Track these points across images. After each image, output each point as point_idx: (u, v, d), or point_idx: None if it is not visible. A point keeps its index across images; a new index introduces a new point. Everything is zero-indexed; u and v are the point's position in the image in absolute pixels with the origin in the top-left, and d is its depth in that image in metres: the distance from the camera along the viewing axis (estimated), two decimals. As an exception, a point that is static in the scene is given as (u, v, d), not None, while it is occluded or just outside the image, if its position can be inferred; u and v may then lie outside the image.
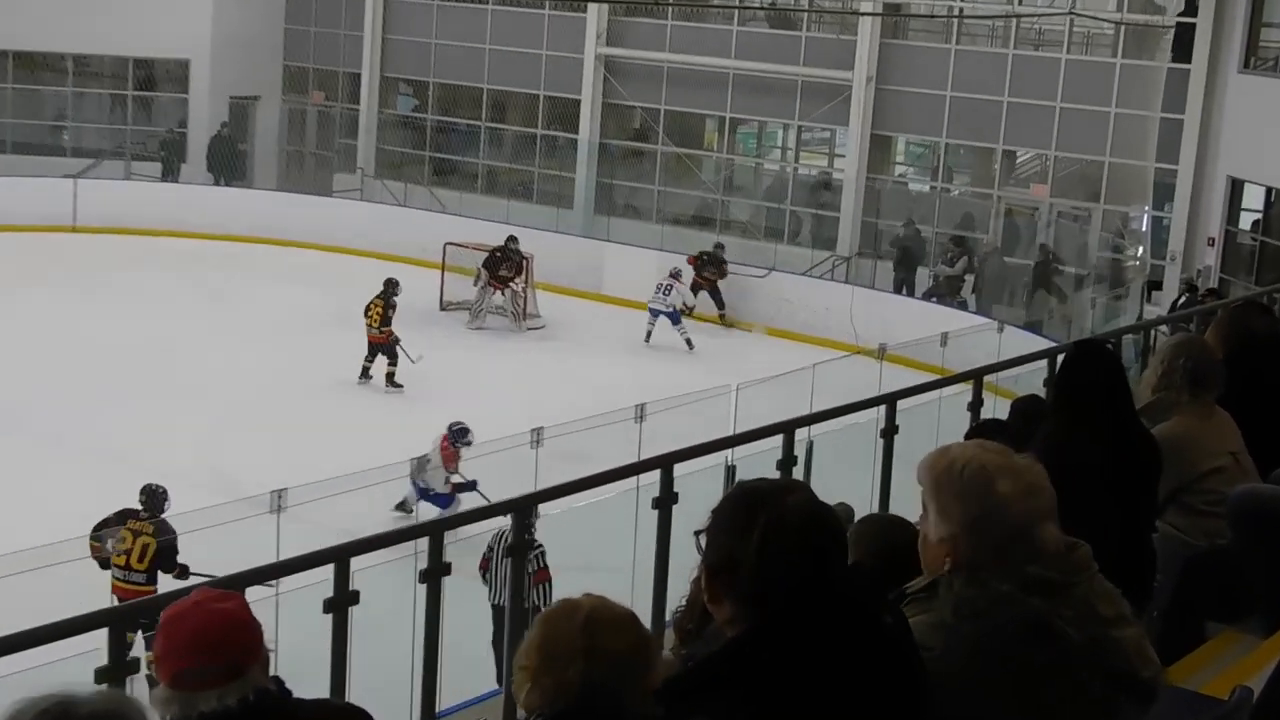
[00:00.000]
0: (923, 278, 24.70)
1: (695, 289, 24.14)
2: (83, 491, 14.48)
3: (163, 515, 11.48)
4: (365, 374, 19.56)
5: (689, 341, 22.53)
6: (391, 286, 19.79)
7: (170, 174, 29.87)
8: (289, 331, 21.28)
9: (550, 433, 12.87)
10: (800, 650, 2.48)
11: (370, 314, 19.60)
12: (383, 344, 19.51)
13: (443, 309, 23.67)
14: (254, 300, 23.07)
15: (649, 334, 22.74)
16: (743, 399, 14.51)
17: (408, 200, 29.15)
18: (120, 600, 10.56)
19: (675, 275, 23.21)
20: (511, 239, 23.58)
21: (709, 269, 24.37)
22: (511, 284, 23.30)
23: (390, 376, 19.33)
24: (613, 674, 2.94)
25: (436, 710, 6.42)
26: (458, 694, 7.08)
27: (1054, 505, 3.05)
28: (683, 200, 28.12)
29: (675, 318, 22.83)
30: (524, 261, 23.39)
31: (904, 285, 24.69)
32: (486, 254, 23.52)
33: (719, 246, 24.93)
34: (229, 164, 30.00)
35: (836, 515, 2.66)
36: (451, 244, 24.27)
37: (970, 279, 24.45)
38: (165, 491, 11.78)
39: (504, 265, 23.22)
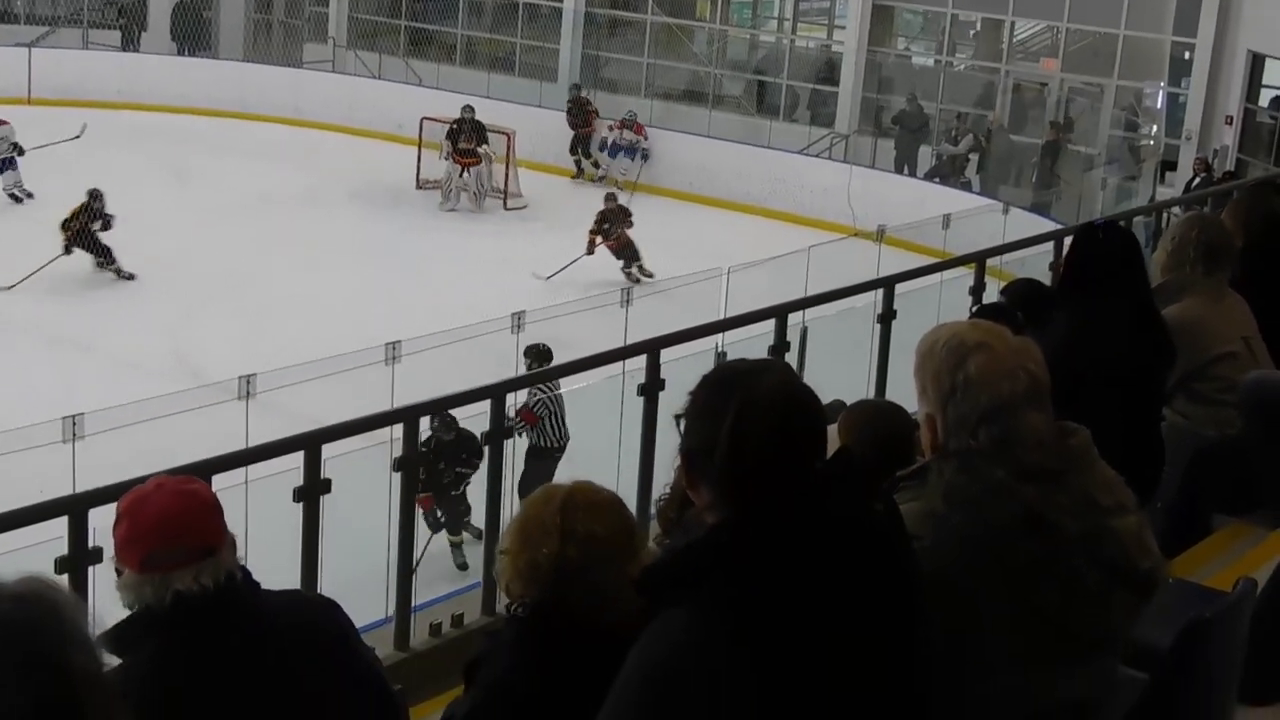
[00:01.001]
0: (925, 157, 24.60)
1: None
2: (46, 379, 14.52)
3: None
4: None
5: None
6: (93, 200, 18.86)
7: (130, 43, 29.54)
8: (255, 211, 21.18)
9: (532, 317, 12.88)
10: (782, 538, 2.49)
11: (68, 226, 18.58)
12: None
13: (419, 187, 23.57)
14: (218, 178, 22.93)
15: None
16: (734, 282, 14.51)
17: (382, 73, 28.88)
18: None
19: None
20: (467, 108, 23.42)
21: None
22: (474, 158, 23.03)
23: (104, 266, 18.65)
24: (590, 558, 2.98)
25: (412, 604, 6.48)
26: (434, 588, 7.13)
27: (1040, 391, 3.04)
28: (673, 74, 27.91)
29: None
30: (484, 131, 23.20)
31: (905, 164, 24.59)
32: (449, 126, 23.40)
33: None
34: (193, 33, 29.66)
35: (816, 397, 2.66)
36: (429, 119, 24.11)
37: (975, 158, 24.36)
38: None
39: (462, 137, 23.06)
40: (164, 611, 2.89)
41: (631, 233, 19.97)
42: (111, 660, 2.36)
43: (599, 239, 19.97)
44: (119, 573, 2.96)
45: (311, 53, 29.90)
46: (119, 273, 18.30)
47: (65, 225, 18.30)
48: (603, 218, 20.26)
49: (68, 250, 18.03)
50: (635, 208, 20.88)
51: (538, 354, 12.47)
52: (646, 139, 24.85)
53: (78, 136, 19.67)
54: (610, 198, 20.58)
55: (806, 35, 28.30)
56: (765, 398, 2.55)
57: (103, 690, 1.87)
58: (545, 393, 11.90)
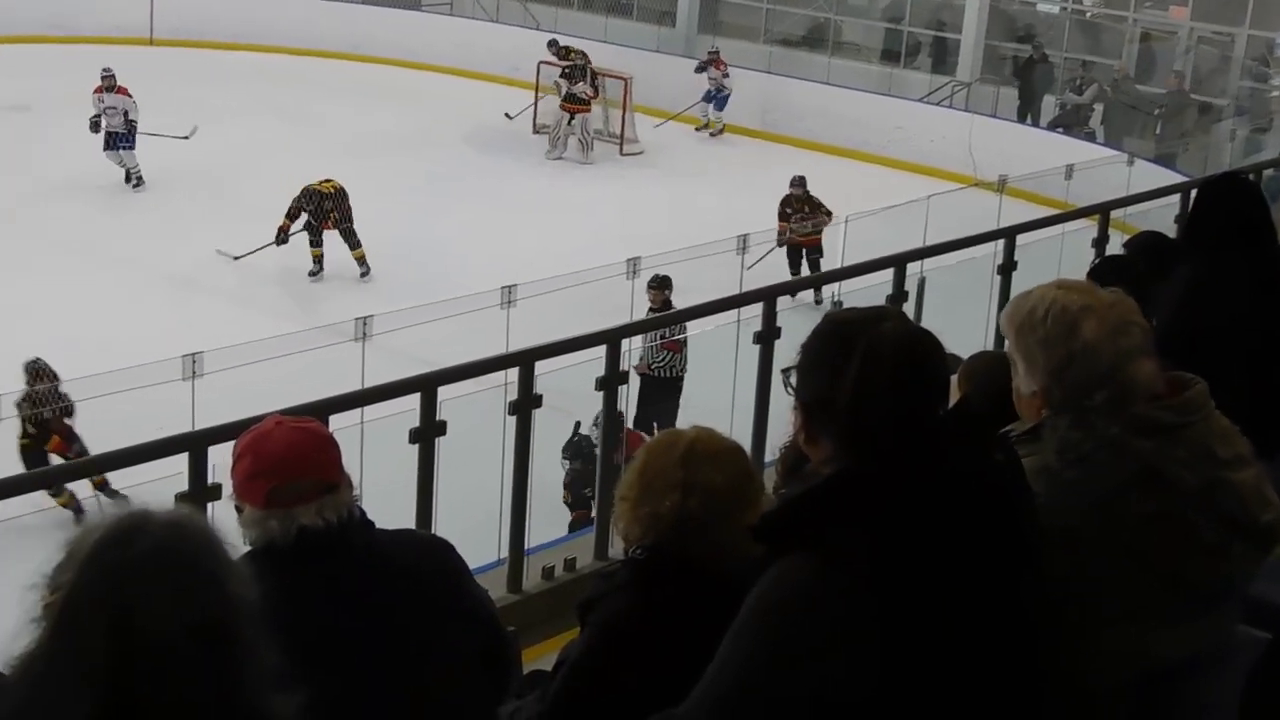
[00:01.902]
0: (1048, 106, 24.27)
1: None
2: (161, 316, 14.76)
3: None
4: None
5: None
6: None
7: (252, -16, 29.77)
8: (371, 153, 21.35)
9: (647, 263, 12.90)
10: (904, 487, 2.50)
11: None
12: None
13: (536, 132, 23.61)
14: (332, 119, 23.12)
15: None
16: (852, 231, 14.45)
17: (500, 16, 28.94)
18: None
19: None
20: (580, 53, 23.50)
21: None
22: (583, 104, 22.94)
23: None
24: (710, 507, 3.00)
25: (525, 547, 6.55)
26: (547, 532, 7.19)
27: (1148, 340, 3.01)
28: (792, 19, 27.71)
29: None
30: (593, 77, 23.13)
31: (1028, 114, 24.28)
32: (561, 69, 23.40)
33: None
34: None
35: (936, 341, 2.66)
36: (545, 63, 24.14)
37: (1099, 108, 24.01)
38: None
39: (573, 80, 23.01)
40: (289, 546, 2.93)
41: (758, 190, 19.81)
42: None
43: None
44: (239, 510, 3.00)
45: (430, -6, 30.03)
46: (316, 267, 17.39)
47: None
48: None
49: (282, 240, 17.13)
50: (749, 154, 20.79)
51: (659, 282, 12.46)
52: (728, 78, 24.57)
53: (186, 137, 19.48)
54: (798, 184, 18.19)
55: (929, -20, 27.98)
56: (888, 346, 2.55)
57: (253, 615, 1.92)
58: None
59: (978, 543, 2.53)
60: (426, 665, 2.97)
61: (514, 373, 6.67)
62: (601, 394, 6.82)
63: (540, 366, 6.55)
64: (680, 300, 12.21)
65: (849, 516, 2.49)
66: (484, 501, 7.27)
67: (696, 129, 24.33)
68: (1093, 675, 2.93)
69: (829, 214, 17.35)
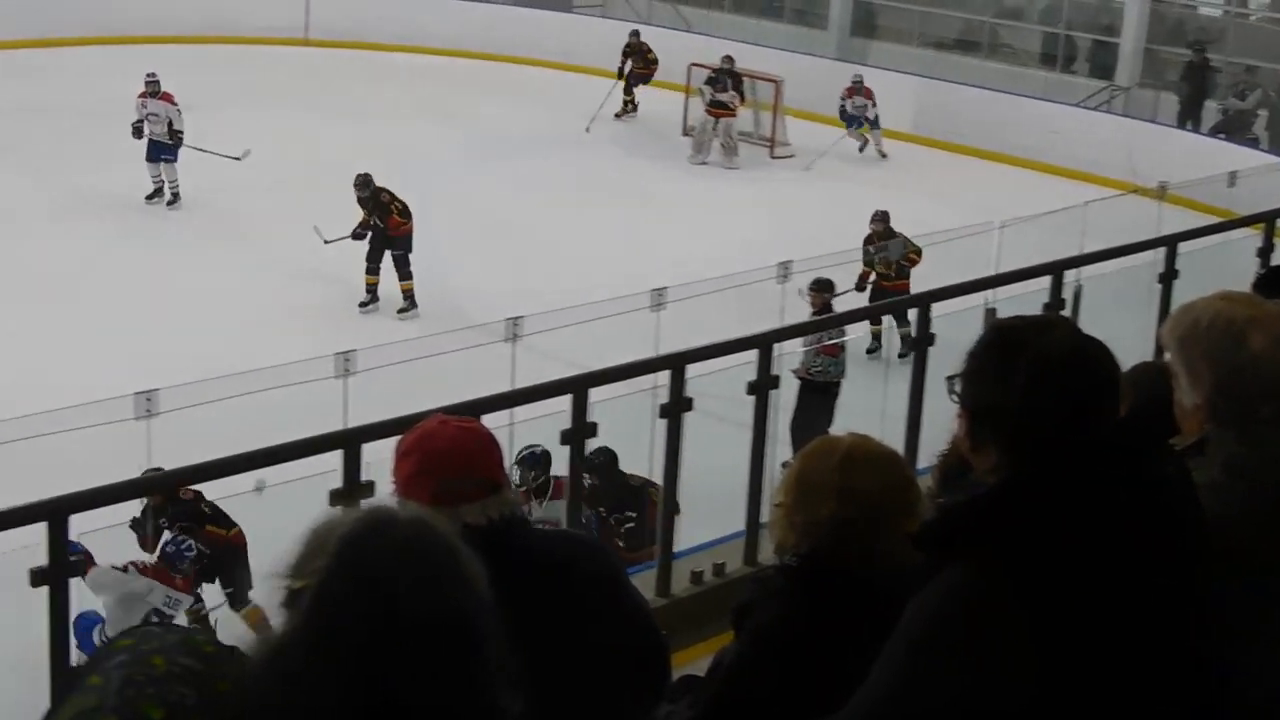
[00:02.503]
0: (1210, 111, 23.83)
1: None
2: (313, 315, 14.98)
3: None
4: None
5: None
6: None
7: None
8: (523, 153, 21.50)
9: (798, 267, 12.86)
10: (1071, 497, 2.47)
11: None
12: None
13: (686, 134, 23.64)
14: (485, 119, 23.32)
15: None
16: (1006, 237, 14.29)
17: (651, 17, 29.02)
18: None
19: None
20: (726, 58, 23.28)
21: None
22: (728, 110, 22.86)
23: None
24: (867, 515, 2.98)
25: (674, 550, 6.55)
26: (697, 535, 7.19)
27: None
28: (947, 22, 27.49)
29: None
30: (740, 82, 23.05)
31: (1188, 119, 23.85)
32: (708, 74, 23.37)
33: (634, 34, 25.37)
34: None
35: (1107, 350, 2.62)
36: (696, 64, 24.16)
37: (1264, 114, 23.52)
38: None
39: (717, 86, 22.96)
40: None
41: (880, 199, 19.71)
42: None
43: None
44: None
45: (582, -3, 30.23)
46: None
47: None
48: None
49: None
50: (902, 159, 20.59)
51: (820, 285, 12.38)
52: (875, 104, 23.54)
53: (238, 158, 18.46)
54: (879, 219, 15.77)
55: (1088, -17, 27.61)
56: (1059, 355, 2.52)
57: (492, 613, 1.94)
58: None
59: (1146, 557, 2.48)
60: (582, 667, 2.97)
61: (664, 375, 6.67)
62: (753, 399, 6.79)
63: (691, 370, 6.54)
64: (835, 305, 12.17)
65: (1014, 526, 2.46)
66: (632, 504, 7.29)
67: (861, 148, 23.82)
68: (1254, 693, 2.87)
69: (917, 252, 14.91)
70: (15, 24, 25.62)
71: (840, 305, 12.53)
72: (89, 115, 21.20)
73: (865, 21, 27.81)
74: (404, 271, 16.10)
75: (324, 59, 26.58)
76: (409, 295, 16.06)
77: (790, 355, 11.50)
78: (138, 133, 18.73)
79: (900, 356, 11.59)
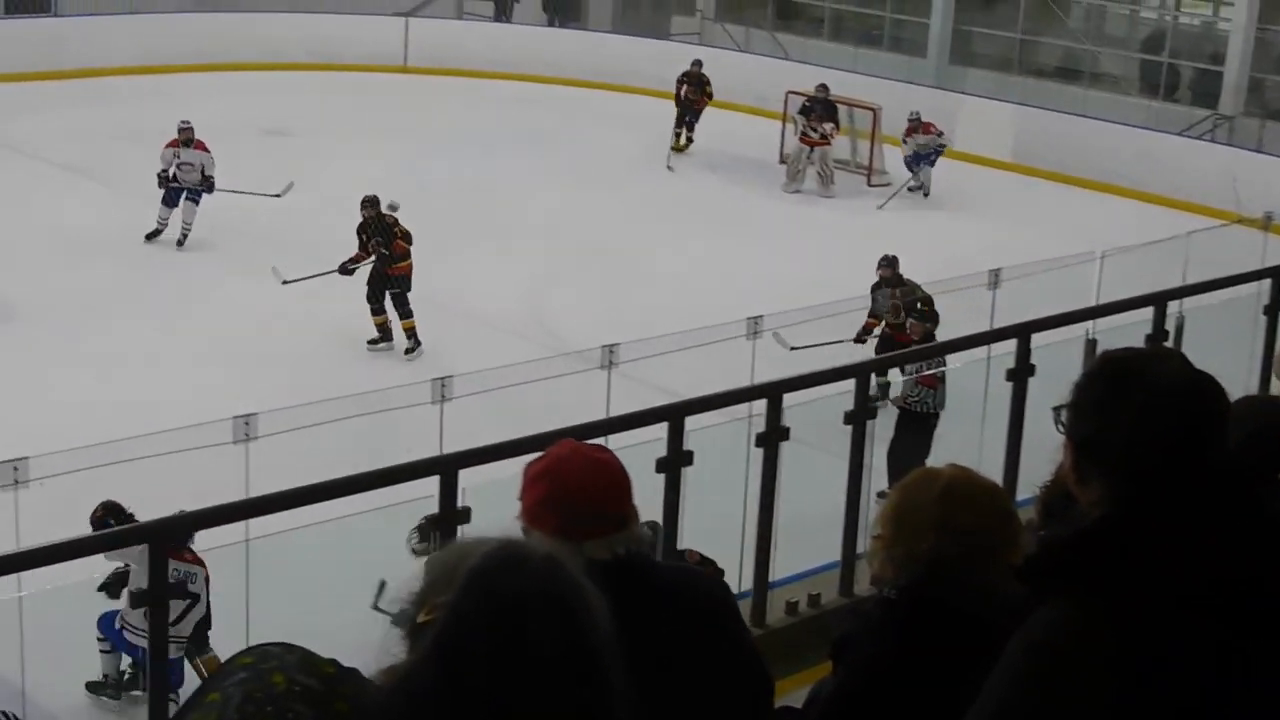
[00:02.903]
0: (1318, 140, 23.53)
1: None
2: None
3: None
4: None
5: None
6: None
7: (503, 14, 30.44)
8: (618, 180, 21.56)
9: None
10: (1176, 532, 2.44)
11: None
12: None
13: (782, 161, 23.61)
14: (582, 146, 23.44)
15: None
16: (1107, 268, 14.17)
17: (748, 45, 29.07)
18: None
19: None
20: (821, 86, 23.18)
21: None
22: (823, 139, 22.77)
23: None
24: (967, 548, 2.95)
25: (769, 579, 6.54)
26: (792, 565, 7.17)
27: None
28: (1047, 50, 27.33)
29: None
30: (835, 111, 22.95)
31: (1295, 149, 23.56)
32: (802, 103, 23.32)
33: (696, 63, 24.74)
34: (564, 3, 30.39)
35: (1217, 384, 2.59)
36: (793, 92, 24.14)
37: (1372, 143, 23.21)
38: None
39: (813, 115, 22.90)
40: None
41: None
42: None
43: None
44: (526, 532, 2.96)
45: (679, 25, 30.30)
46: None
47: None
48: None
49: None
50: (1001, 187, 20.36)
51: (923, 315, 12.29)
52: (942, 135, 22.57)
53: (279, 195, 17.75)
54: (887, 264, 14.74)
55: (1191, 11, 27.34)
56: (1170, 387, 2.49)
57: (615, 650, 1.94)
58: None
59: (1255, 595, 2.44)
60: (695, 702, 2.93)
61: (760, 404, 6.67)
62: (850, 428, 6.78)
63: (787, 399, 6.54)
64: (936, 335, 12.11)
65: (1118, 561, 2.43)
66: (728, 533, 7.28)
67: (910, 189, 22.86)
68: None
69: (927, 301, 13.50)
70: (121, 50, 26.05)
71: (832, 357, 12.48)
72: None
73: (964, 49, 27.69)
74: (405, 310, 15.46)
75: (422, 86, 26.82)
76: (412, 334, 15.41)
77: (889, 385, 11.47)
78: (163, 181, 17.82)
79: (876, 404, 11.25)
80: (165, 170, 17.76)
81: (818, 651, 3.25)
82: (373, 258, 15.52)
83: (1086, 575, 2.43)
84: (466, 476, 5.61)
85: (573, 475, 2.97)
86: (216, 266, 17.32)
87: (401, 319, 15.43)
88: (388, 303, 15.42)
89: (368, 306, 15.41)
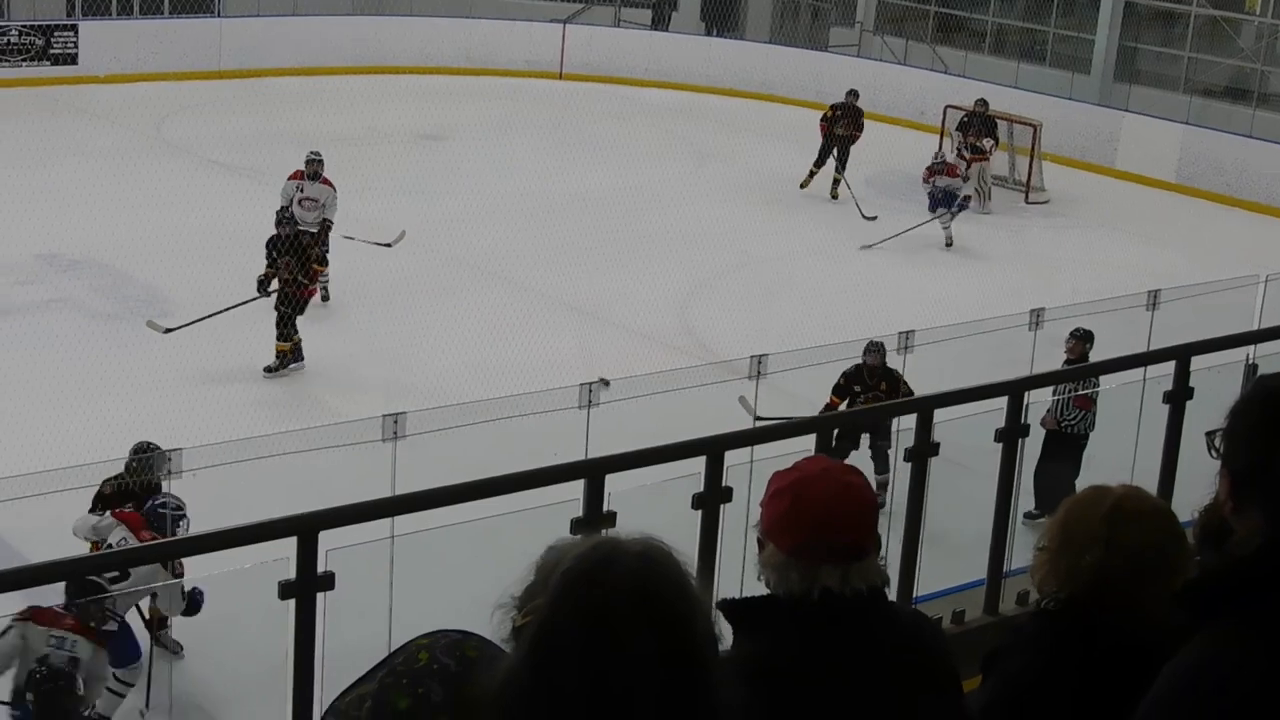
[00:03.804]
0: None
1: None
2: (557, 346, 15.19)
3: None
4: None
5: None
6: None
7: (660, 22, 30.58)
8: (769, 192, 21.56)
9: (1051, 314, 12.67)
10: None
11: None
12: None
13: (937, 177, 23.46)
14: (736, 157, 23.45)
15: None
16: (1271, 293, 13.90)
17: (908, 59, 28.93)
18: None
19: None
20: (980, 101, 22.92)
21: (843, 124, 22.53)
22: (981, 154, 22.53)
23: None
24: (1131, 566, 2.91)
25: (914, 594, 6.49)
26: (936, 582, 7.11)
27: None
28: (1216, 70, 26.87)
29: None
30: (994, 127, 22.71)
31: None
32: (960, 118, 23.10)
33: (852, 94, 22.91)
34: (722, 13, 30.45)
35: None
36: (951, 106, 23.99)
37: None
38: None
39: (971, 131, 22.69)
40: (811, 604, 2.78)
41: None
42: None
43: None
44: (761, 545, 2.88)
45: (837, 36, 30.23)
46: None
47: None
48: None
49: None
50: (1163, 207, 19.95)
51: (1081, 335, 12.11)
52: (967, 179, 21.21)
53: (389, 245, 16.34)
54: (874, 350, 12.19)
55: (1367, 31, 26.75)
56: None
57: (716, 651, 1.93)
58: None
59: None
60: None
61: (909, 419, 6.63)
62: (999, 446, 6.71)
63: (936, 415, 6.49)
64: (1090, 356, 11.94)
65: (1274, 593, 2.39)
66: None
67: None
68: None
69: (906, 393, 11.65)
70: (280, 52, 26.56)
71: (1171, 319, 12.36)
72: (348, 142, 21.87)
73: (1129, 66, 27.32)
74: (285, 332, 14.29)
75: (577, 93, 27.02)
76: (283, 356, 14.28)
77: (1037, 405, 11.34)
78: (281, 220, 15.44)
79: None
80: (285, 207, 15.77)
81: (960, 667, 3.21)
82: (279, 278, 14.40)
83: (1244, 604, 2.39)
84: (613, 481, 5.64)
85: (818, 494, 2.82)
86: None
87: (278, 339, 14.26)
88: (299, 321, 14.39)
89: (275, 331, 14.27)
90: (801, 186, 22.02)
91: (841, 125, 22.34)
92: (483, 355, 14.57)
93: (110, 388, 12.82)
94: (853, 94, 22.90)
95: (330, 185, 15.98)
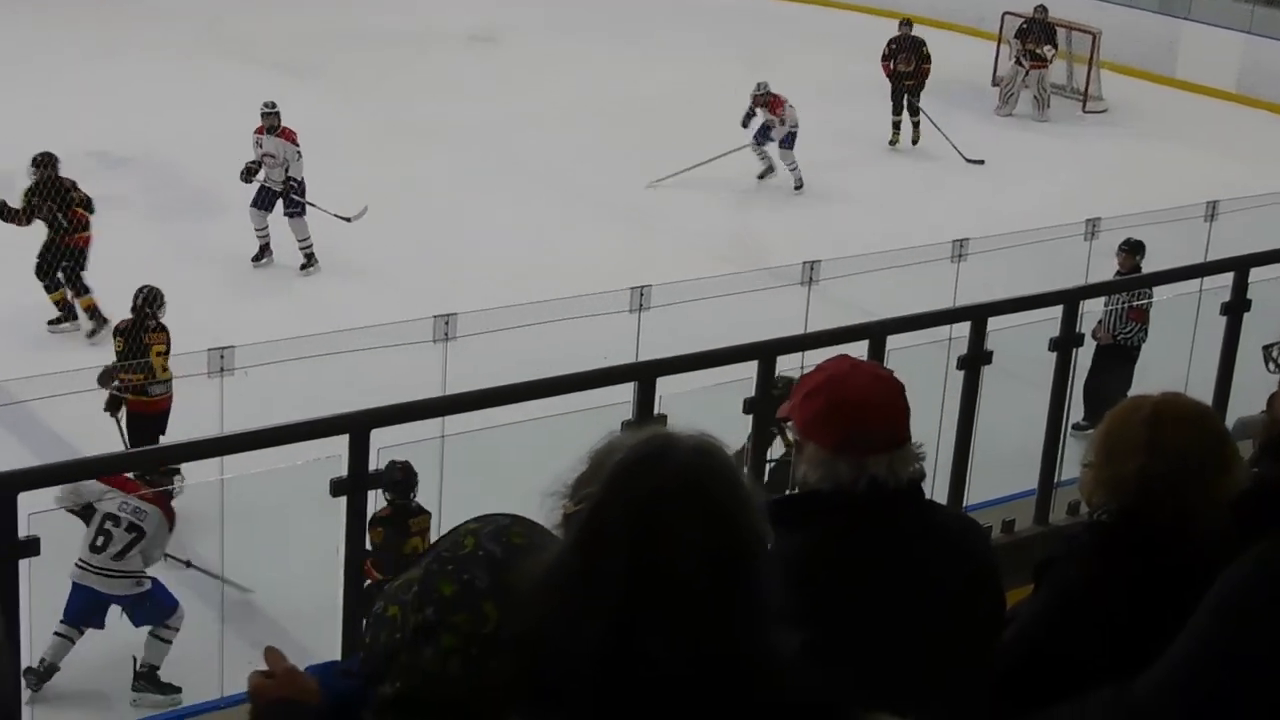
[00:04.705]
0: None
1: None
2: (603, 247, 15.17)
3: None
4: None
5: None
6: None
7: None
8: (826, 100, 21.36)
9: (1107, 225, 12.56)
10: None
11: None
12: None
13: (995, 84, 23.20)
14: (790, 64, 23.21)
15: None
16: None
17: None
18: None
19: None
20: (1039, 8, 22.55)
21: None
22: (1040, 61, 22.21)
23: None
24: (1177, 469, 2.89)
25: (964, 502, 6.49)
26: (986, 491, 7.10)
27: None
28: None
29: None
30: (1054, 34, 22.39)
31: None
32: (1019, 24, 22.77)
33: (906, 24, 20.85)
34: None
35: None
36: (1010, 13, 23.64)
37: None
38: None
39: (1030, 38, 22.36)
40: (855, 494, 2.86)
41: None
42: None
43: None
44: (799, 446, 2.96)
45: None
46: None
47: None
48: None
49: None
50: (1222, 117, 19.50)
51: (1131, 247, 12.01)
52: (784, 119, 18.10)
53: (350, 219, 14.77)
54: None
55: None
56: None
57: (766, 550, 1.92)
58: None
59: None
60: (951, 647, 2.88)
61: (960, 328, 6.59)
62: (1055, 355, 6.68)
63: (990, 324, 6.45)
64: (1144, 267, 11.84)
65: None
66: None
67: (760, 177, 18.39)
68: None
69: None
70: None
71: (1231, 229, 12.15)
72: (404, 40, 21.83)
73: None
74: (80, 287, 13.18)
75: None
76: (93, 312, 13.15)
77: (1088, 317, 11.26)
78: (248, 175, 14.74)
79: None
80: (254, 163, 14.79)
81: (1010, 577, 3.19)
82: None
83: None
84: (664, 385, 5.64)
85: (854, 388, 2.92)
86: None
87: (78, 296, 13.23)
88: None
89: (39, 283, 13.14)
90: (891, 144, 20.11)
91: (901, 60, 20.37)
92: (534, 258, 14.57)
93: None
94: (907, 24, 20.80)
95: (290, 139, 14.78)
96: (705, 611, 1.81)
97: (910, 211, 16.74)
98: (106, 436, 10.17)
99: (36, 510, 4.69)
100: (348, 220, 14.72)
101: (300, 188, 14.69)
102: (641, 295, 9.86)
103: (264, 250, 14.79)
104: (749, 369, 5.88)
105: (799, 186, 17.86)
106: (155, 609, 8.79)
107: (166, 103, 18.27)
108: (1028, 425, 7.23)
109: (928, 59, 20.31)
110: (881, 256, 11.86)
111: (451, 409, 5.84)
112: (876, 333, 6.11)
